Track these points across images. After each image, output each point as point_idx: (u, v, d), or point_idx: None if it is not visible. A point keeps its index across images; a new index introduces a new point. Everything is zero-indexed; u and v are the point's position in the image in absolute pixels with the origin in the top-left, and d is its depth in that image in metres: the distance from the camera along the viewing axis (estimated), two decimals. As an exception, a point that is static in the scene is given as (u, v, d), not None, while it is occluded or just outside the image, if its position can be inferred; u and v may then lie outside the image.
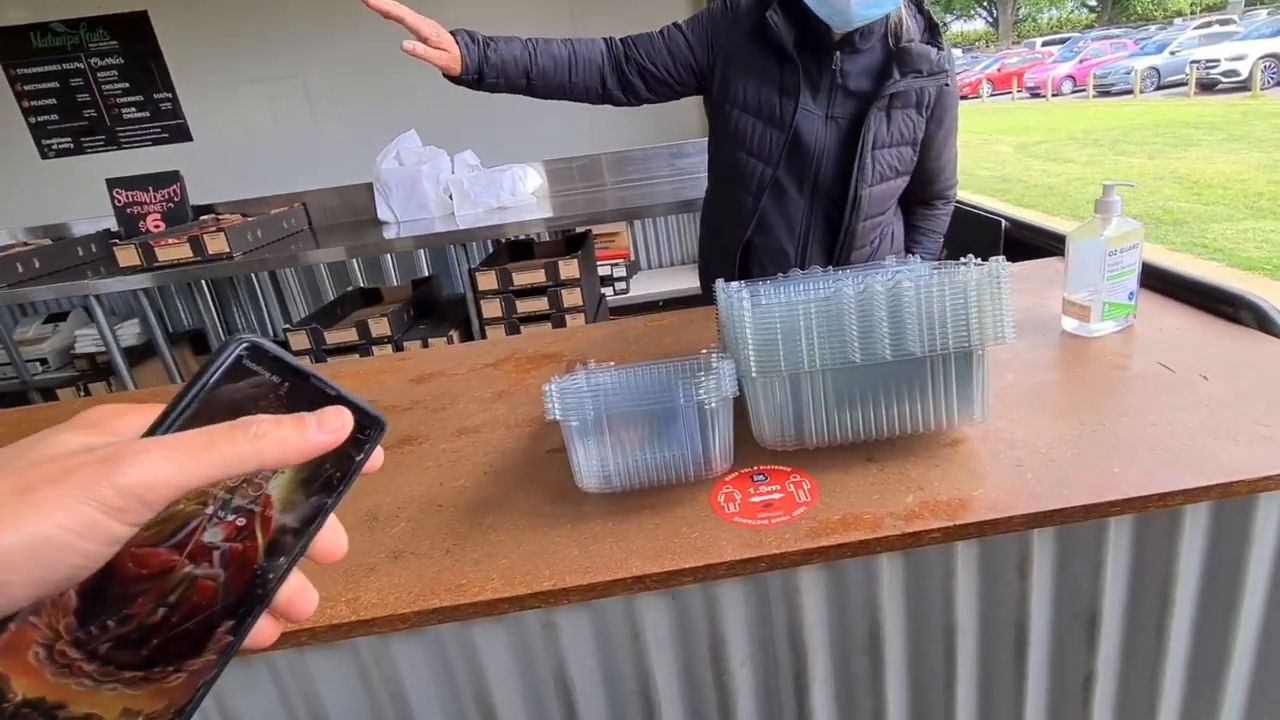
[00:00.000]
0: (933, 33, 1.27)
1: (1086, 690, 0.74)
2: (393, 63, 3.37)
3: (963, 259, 0.79)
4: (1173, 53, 14.67)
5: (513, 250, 2.80)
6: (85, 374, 2.95)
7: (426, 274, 3.28)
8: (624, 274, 3.59)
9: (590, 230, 2.89)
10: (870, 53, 1.26)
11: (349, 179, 3.19)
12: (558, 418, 0.68)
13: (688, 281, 3.61)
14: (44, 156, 3.25)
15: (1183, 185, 6.76)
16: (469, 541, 0.69)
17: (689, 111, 3.68)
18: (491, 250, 2.86)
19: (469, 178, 2.93)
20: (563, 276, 2.50)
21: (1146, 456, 0.71)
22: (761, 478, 0.75)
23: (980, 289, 0.72)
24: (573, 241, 2.83)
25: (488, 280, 2.46)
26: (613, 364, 0.82)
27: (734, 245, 1.38)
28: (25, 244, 2.97)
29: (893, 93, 1.24)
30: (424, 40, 1.13)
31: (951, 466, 0.74)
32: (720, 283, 0.86)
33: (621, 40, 1.31)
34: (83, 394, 2.84)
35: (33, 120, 3.20)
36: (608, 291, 3.51)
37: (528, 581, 0.62)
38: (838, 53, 1.24)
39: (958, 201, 2.13)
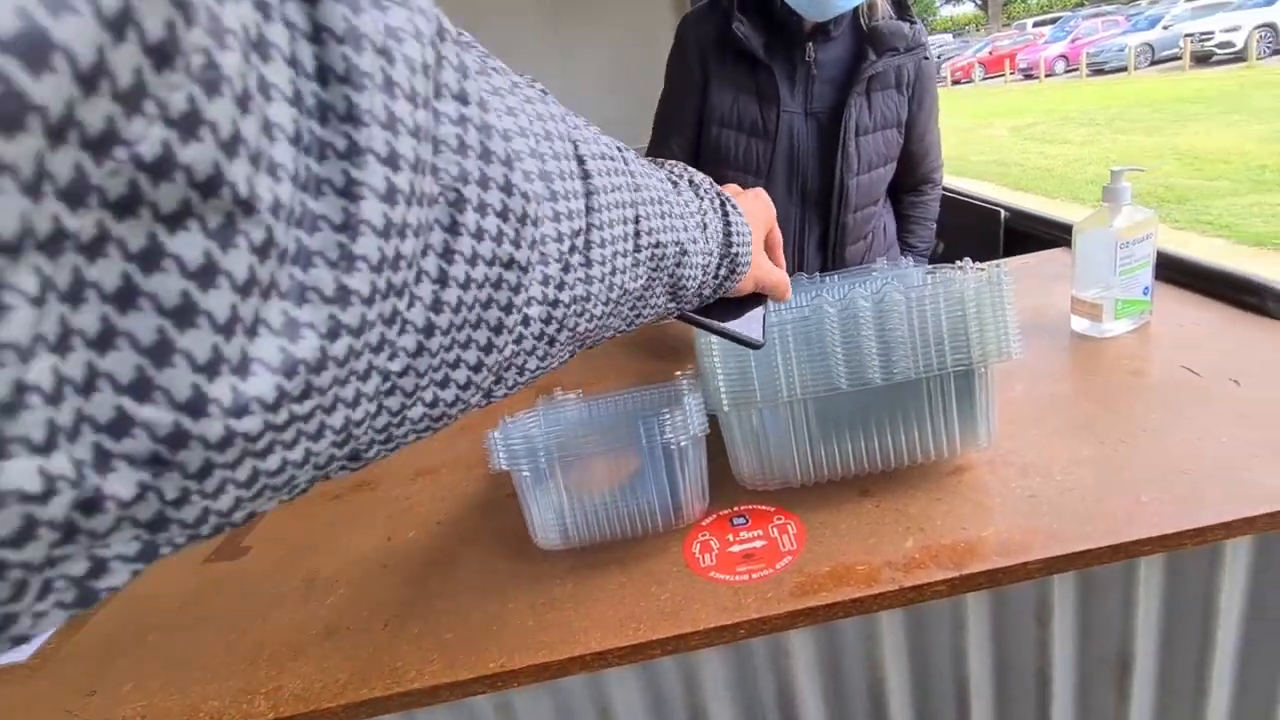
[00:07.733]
0: (902, 8, 1.21)
1: (1119, 745, 0.66)
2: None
3: (958, 262, 0.71)
4: (1165, 27, 14.46)
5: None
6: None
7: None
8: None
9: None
10: (842, 39, 1.20)
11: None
12: (504, 467, 0.60)
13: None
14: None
15: (1183, 161, 6.63)
16: (412, 611, 0.61)
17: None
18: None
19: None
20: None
21: (1177, 481, 0.62)
22: (742, 520, 0.67)
23: (980, 299, 0.64)
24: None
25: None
26: (577, 394, 0.74)
27: None
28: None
29: (871, 75, 1.17)
30: None
31: (956, 500, 0.65)
32: None
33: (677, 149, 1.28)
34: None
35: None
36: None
37: (471, 663, 0.54)
38: (809, 44, 1.17)
39: (953, 192, 2.05)
